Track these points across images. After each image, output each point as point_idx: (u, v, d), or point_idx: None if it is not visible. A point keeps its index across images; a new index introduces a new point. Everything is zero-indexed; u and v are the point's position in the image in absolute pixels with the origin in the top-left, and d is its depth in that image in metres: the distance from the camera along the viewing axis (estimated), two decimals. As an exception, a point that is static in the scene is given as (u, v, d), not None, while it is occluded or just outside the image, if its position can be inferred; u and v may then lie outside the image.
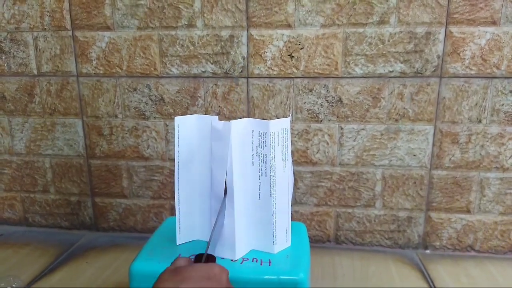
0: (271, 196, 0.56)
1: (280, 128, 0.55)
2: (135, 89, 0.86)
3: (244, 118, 0.55)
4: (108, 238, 0.93)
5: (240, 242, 0.56)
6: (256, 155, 0.56)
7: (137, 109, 0.88)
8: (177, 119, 0.58)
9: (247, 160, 0.56)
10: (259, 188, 0.56)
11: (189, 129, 0.59)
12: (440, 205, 0.84)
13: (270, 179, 0.55)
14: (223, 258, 0.56)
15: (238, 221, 0.55)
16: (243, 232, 0.57)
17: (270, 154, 0.55)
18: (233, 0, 0.79)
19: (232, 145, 0.53)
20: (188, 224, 0.61)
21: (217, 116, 0.58)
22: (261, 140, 0.55)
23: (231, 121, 0.53)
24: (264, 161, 0.55)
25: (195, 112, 0.86)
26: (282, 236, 0.58)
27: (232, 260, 0.55)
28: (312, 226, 0.89)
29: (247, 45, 0.81)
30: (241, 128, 0.55)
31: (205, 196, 0.60)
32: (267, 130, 0.54)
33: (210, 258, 0.54)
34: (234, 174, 0.54)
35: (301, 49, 0.80)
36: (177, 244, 0.61)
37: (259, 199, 0.57)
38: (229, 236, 0.56)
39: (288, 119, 0.57)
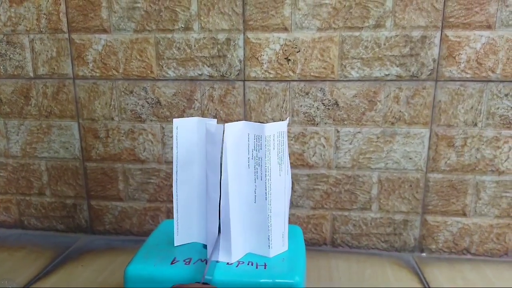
0: (266, 199, 0.56)
1: (276, 131, 0.55)
2: (131, 92, 0.86)
3: (240, 121, 0.55)
4: (104, 241, 0.93)
5: (236, 245, 0.56)
6: (252, 158, 0.56)
7: (133, 112, 0.88)
8: (176, 121, 0.58)
9: (242, 163, 0.56)
10: (254, 191, 0.56)
11: (188, 131, 0.59)
12: (436, 208, 0.84)
13: (266, 183, 0.55)
14: (219, 261, 0.56)
15: (234, 224, 0.55)
16: (239, 235, 0.57)
17: (265, 157, 0.55)
18: (230, 3, 0.79)
19: (227, 147, 0.53)
20: (186, 226, 0.61)
21: (215, 119, 0.58)
22: (257, 143, 0.55)
23: (224, 124, 0.53)
24: (260, 164, 0.55)
25: (191, 115, 0.86)
26: (278, 240, 0.58)
27: (228, 263, 0.55)
28: (309, 229, 0.89)
29: (244, 48, 0.81)
30: (237, 131, 0.55)
31: (204, 198, 0.60)
32: (263, 133, 0.54)
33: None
34: (230, 176, 0.54)
35: (298, 52, 0.80)
36: (175, 245, 0.61)
37: (255, 202, 0.57)
38: (225, 239, 0.55)
39: (285, 123, 0.57)
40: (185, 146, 0.59)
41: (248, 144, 0.55)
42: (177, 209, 0.60)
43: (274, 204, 0.56)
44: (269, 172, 0.55)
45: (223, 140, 0.53)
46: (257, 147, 0.55)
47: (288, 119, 0.60)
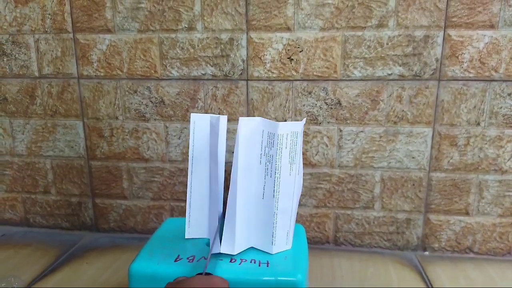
0: (274, 197, 0.56)
1: (289, 131, 0.56)
2: (135, 91, 0.87)
3: (257, 117, 0.56)
4: (109, 239, 0.94)
5: (240, 237, 0.57)
6: (264, 155, 0.56)
7: (137, 111, 0.88)
8: (193, 115, 0.60)
9: (254, 158, 0.56)
10: (263, 187, 0.57)
11: (204, 127, 0.60)
12: (438, 207, 0.85)
13: (275, 180, 0.56)
14: (221, 256, 0.56)
15: (239, 217, 0.56)
16: (244, 228, 0.57)
17: (276, 155, 0.55)
18: (233, 4, 0.80)
19: (239, 141, 0.54)
20: (198, 220, 0.62)
21: (226, 116, 0.59)
22: (269, 141, 0.55)
23: (240, 118, 0.54)
24: (271, 161, 0.56)
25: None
26: (282, 238, 0.59)
27: (230, 260, 0.56)
28: (311, 228, 0.89)
29: (247, 48, 0.82)
30: (251, 126, 0.55)
31: None
32: (276, 132, 0.55)
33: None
34: (239, 169, 0.55)
35: (300, 52, 0.80)
36: (186, 238, 0.62)
37: (263, 198, 0.57)
38: (229, 230, 0.56)
39: (301, 123, 0.57)
40: (201, 141, 0.60)
41: (262, 140, 0.56)
42: (189, 203, 0.62)
43: (281, 202, 0.57)
44: (279, 170, 0.56)
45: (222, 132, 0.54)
46: (270, 145, 0.55)
47: (304, 119, 0.60)
